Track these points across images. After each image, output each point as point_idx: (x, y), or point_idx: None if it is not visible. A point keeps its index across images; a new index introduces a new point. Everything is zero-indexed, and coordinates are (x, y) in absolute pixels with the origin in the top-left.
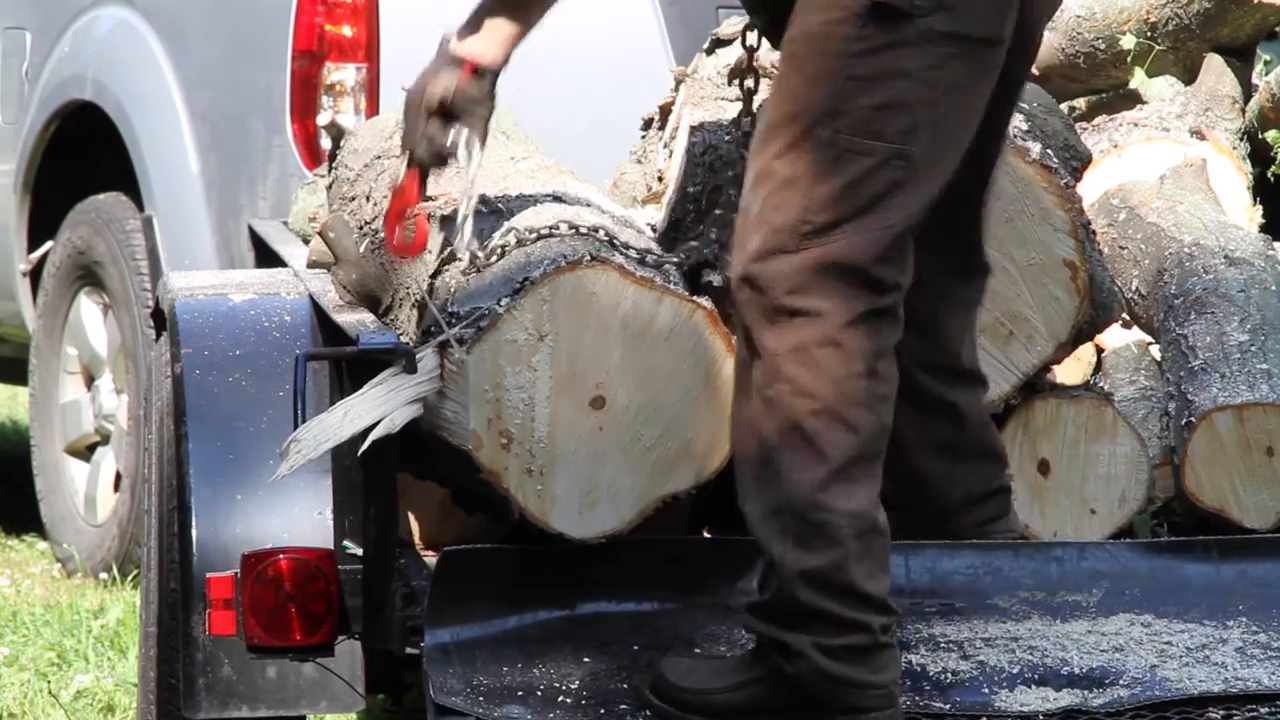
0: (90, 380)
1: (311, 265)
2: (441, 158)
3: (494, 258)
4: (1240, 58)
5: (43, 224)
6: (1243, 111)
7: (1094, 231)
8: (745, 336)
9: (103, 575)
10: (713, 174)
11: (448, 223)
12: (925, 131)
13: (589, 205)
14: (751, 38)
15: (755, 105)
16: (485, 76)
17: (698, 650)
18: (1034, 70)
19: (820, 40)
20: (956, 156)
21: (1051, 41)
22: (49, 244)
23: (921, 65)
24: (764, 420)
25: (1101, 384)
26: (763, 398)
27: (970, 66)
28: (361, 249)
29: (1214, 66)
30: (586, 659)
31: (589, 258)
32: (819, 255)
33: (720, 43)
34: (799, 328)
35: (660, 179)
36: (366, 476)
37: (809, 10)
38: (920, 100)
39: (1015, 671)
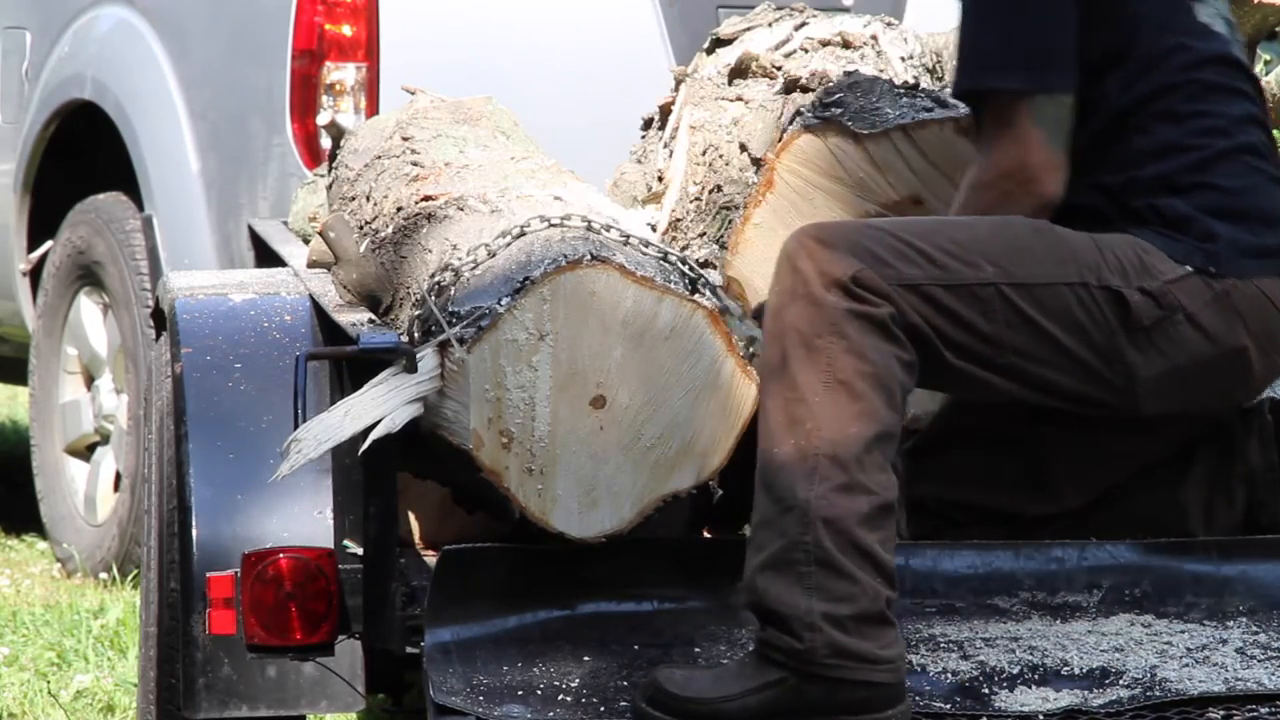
0: (90, 380)
1: (311, 265)
2: None
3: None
4: None
5: (43, 224)
6: None
7: None
8: (795, 280)
9: (103, 575)
10: (713, 174)
11: None
12: (1020, 365)
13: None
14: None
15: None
16: None
17: (698, 650)
18: None
19: (1069, 253)
20: (1004, 395)
21: None
22: (49, 244)
23: (1082, 355)
24: (806, 367)
25: None
26: (807, 345)
27: (1104, 399)
28: (361, 249)
29: None
30: (586, 658)
31: (589, 257)
32: (894, 296)
33: (720, 42)
34: (857, 301)
35: (660, 179)
36: (367, 476)
37: (1088, 241)
38: (1048, 358)
39: (1015, 671)
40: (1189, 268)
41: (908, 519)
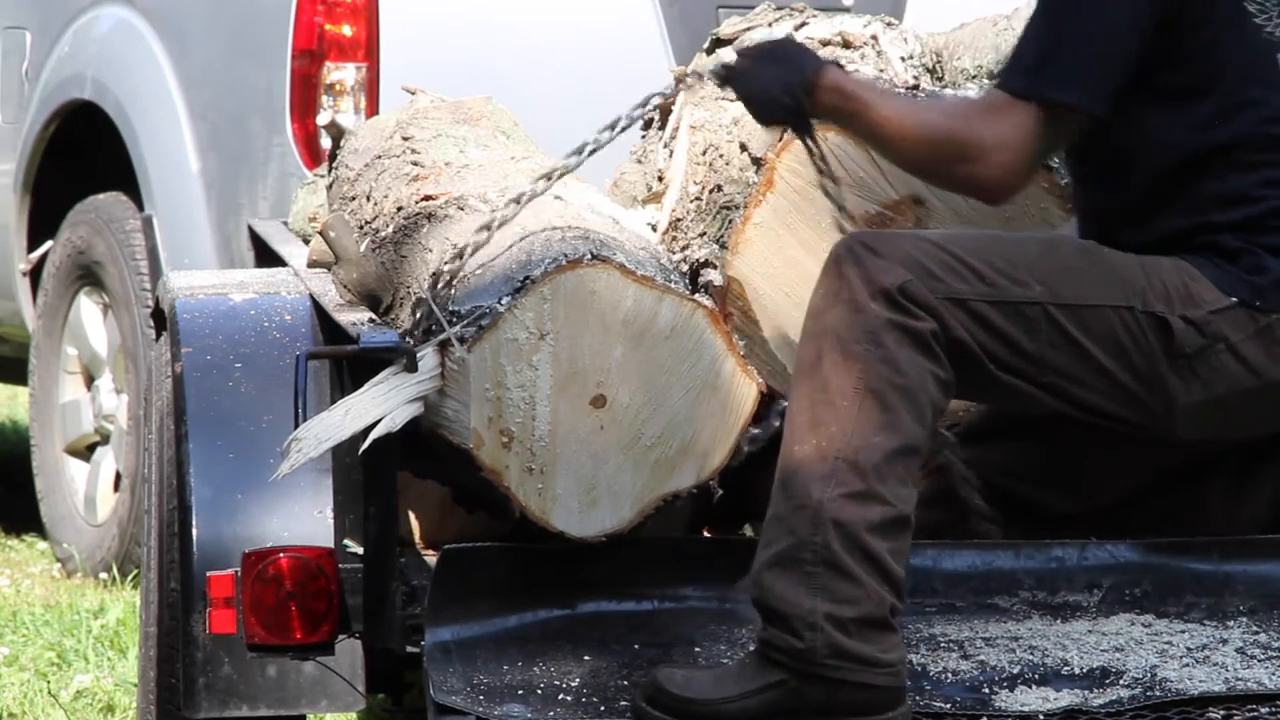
0: (90, 380)
1: (311, 265)
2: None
3: None
4: None
5: (43, 224)
6: None
7: None
8: (841, 284)
9: (103, 575)
10: (713, 174)
11: None
12: (1062, 385)
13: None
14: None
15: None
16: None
17: (698, 649)
18: None
19: (1116, 277)
20: (1044, 409)
21: None
22: (49, 244)
23: (1124, 379)
24: (840, 370)
25: None
26: (843, 350)
27: (1143, 425)
28: (362, 248)
29: None
30: (586, 658)
31: (590, 256)
32: (940, 310)
33: (720, 42)
34: (902, 312)
35: (660, 179)
36: (367, 475)
37: (1137, 263)
38: (1090, 380)
39: (1015, 671)
40: (1235, 299)
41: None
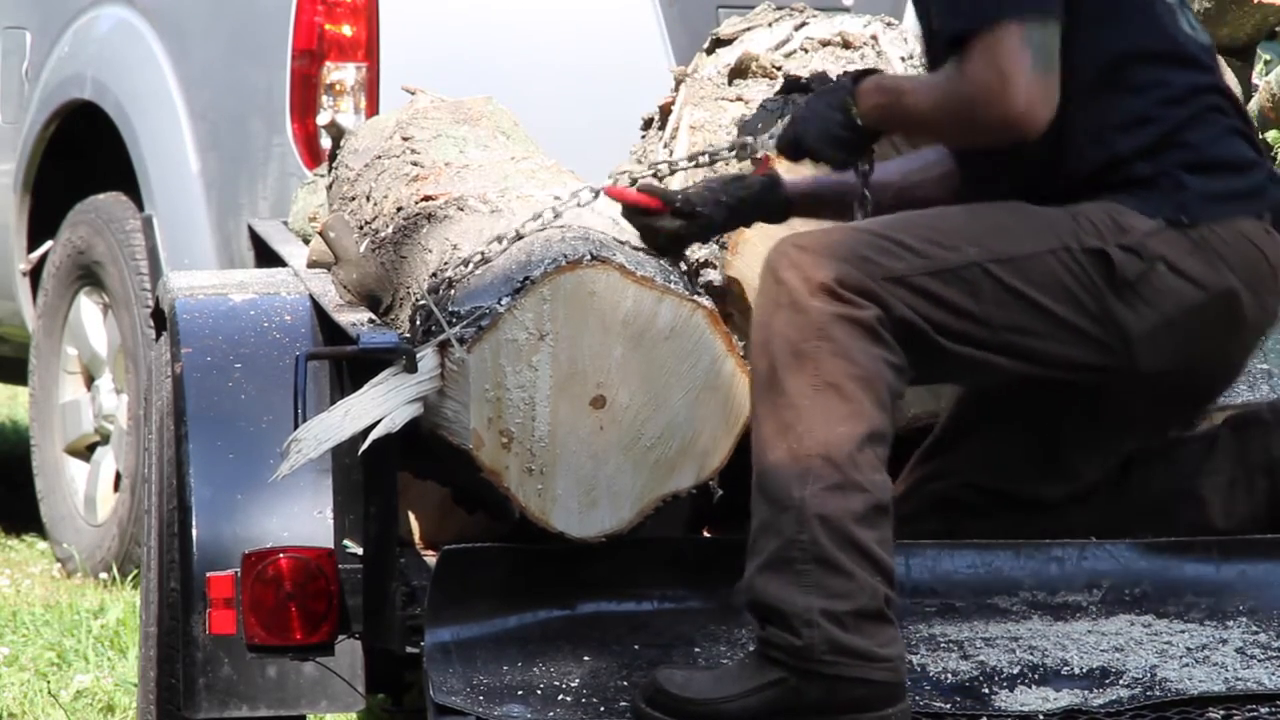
0: (90, 380)
1: (311, 265)
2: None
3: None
4: (1240, 58)
5: (43, 224)
6: None
7: None
8: (781, 289)
9: (103, 575)
10: (713, 174)
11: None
12: (1019, 341)
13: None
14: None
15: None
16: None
17: (698, 650)
18: None
19: (1045, 224)
20: (1009, 374)
21: None
22: (49, 244)
23: (1074, 321)
24: (794, 372)
25: None
26: (794, 351)
27: (1104, 363)
28: (361, 249)
29: None
30: (586, 658)
31: (589, 257)
32: (881, 294)
33: (720, 43)
34: (844, 304)
35: (660, 179)
36: (366, 476)
37: (1060, 212)
38: (1043, 330)
39: (1015, 671)
40: (1162, 220)
41: (929, 515)
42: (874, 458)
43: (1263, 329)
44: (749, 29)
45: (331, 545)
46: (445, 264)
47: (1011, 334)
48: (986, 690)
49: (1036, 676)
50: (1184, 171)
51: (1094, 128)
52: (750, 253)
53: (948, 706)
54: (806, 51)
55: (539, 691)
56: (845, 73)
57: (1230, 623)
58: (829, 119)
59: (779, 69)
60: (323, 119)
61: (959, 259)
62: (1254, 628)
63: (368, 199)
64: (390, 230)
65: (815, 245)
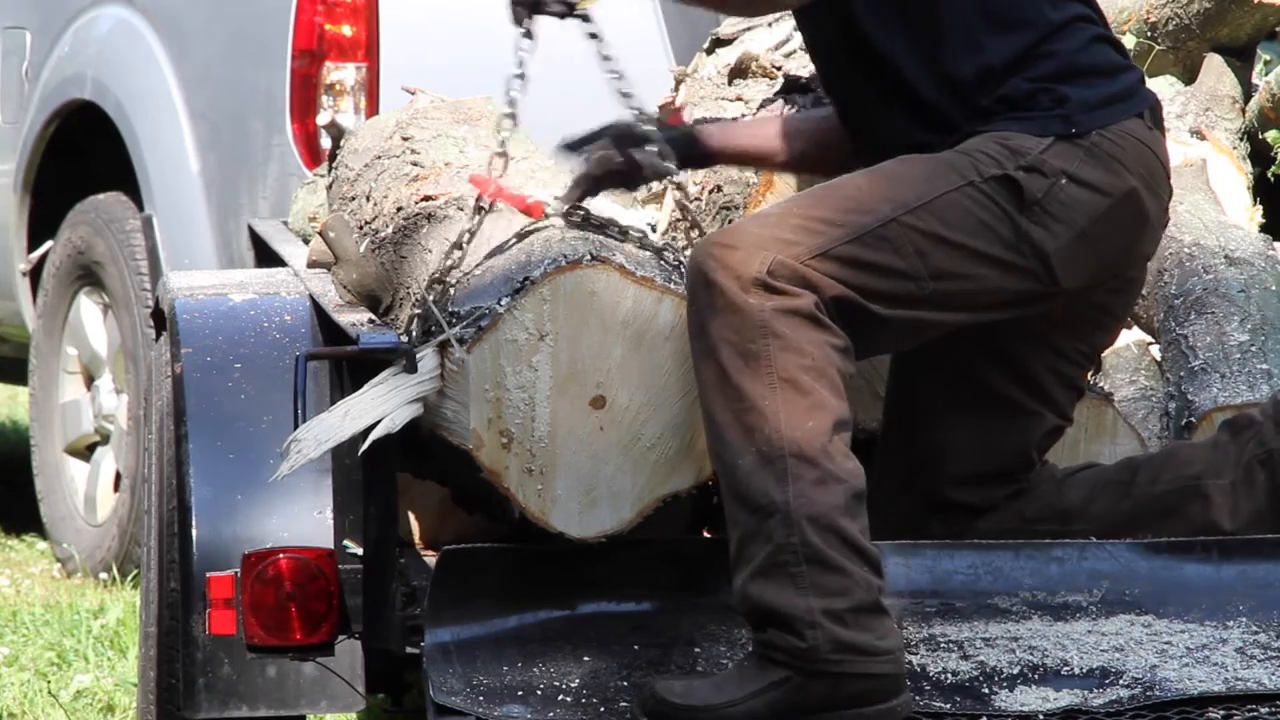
0: (90, 380)
1: (311, 265)
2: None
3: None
4: (1240, 58)
5: (43, 224)
6: (1243, 111)
7: None
8: (712, 294)
9: (103, 575)
10: (713, 174)
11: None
12: (950, 286)
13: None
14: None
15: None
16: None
17: (698, 650)
18: None
19: (944, 166)
20: (949, 324)
21: None
22: (49, 244)
23: (995, 252)
24: (748, 375)
25: (1101, 384)
26: (743, 353)
27: (1030, 287)
28: (361, 249)
29: (1214, 66)
30: (586, 658)
31: (589, 257)
32: (810, 275)
33: (720, 42)
34: (779, 295)
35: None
36: (366, 476)
37: (952, 154)
38: (969, 269)
39: (1015, 671)
40: (1051, 136)
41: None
42: (842, 444)
43: (1163, 225)
44: (749, 29)
45: (331, 545)
46: (445, 263)
47: (939, 282)
48: (986, 690)
49: (1036, 676)
50: (1059, 84)
51: (977, 46)
52: None
53: (948, 706)
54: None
55: (539, 691)
56: None
57: (1230, 623)
58: None
59: (779, 69)
60: (323, 119)
61: (875, 219)
62: (1254, 628)
63: (368, 199)
64: (390, 230)
65: (736, 240)
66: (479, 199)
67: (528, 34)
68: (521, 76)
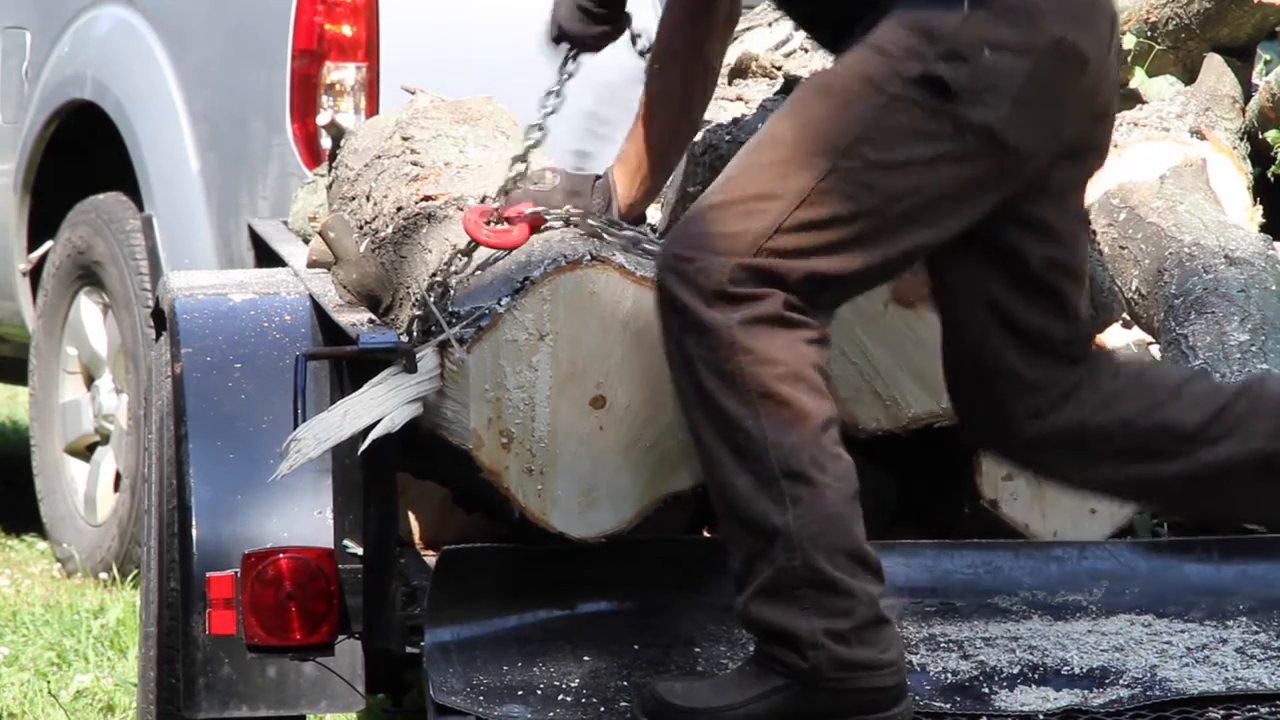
0: (90, 380)
1: (311, 265)
2: None
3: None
4: (1240, 58)
5: (43, 224)
6: (1243, 111)
7: (1094, 231)
8: (680, 314)
9: (103, 575)
10: (712, 174)
11: None
12: (913, 204)
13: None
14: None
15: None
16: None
17: (698, 650)
18: None
19: (862, 83)
20: (931, 239)
21: None
22: (49, 244)
23: (941, 150)
24: (727, 394)
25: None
26: (719, 373)
27: (988, 167)
28: (361, 249)
29: (1214, 66)
30: (586, 658)
31: (589, 257)
32: (770, 265)
33: None
34: (743, 304)
35: None
36: (366, 476)
37: (866, 53)
38: (924, 179)
39: (1015, 671)
40: (962, 6)
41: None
42: (831, 444)
43: (1114, 64)
44: (749, 29)
45: (331, 545)
46: (445, 265)
47: (900, 203)
48: (986, 690)
49: (1036, 676)
50: None
51: None
52: None
53: (948, 706)
54: (806, 51)
55: (539, 691)
56: None
57: (1230, 623)
58: None
59: (779, 69)
60: (323, 119)
61: (813, 176)
62: (1254, 628)
63: (368, 199)
64: (390, 230)
65: (689, 249)
66: (469, 243)
67: (574, 57)
68: (558, 94)
